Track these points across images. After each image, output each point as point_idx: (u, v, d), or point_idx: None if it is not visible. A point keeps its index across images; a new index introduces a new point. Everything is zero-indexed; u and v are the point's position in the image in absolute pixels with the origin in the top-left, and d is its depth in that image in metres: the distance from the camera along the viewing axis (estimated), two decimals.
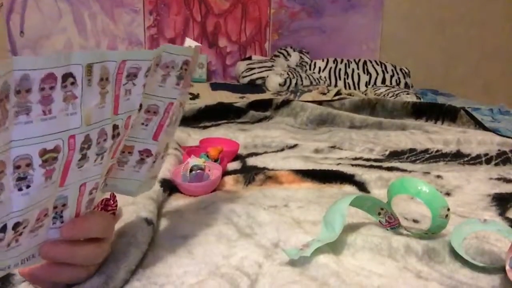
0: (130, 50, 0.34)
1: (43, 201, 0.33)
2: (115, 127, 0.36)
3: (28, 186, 0.31)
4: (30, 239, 0.34)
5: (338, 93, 1.70)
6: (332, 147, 0.96)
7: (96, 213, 0.40)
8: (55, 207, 0.35)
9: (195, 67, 0.45)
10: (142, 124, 0.43)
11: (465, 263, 0.49)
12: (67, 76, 0.30)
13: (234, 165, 0.81)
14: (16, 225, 0.31)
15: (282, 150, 0.93)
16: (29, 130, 0.29)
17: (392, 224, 0.55)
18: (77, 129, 0.32)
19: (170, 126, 0.45)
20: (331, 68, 2.11)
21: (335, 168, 0.79)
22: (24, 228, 0.32)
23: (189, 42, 0.47)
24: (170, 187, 0.65)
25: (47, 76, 0.29)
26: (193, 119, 1.14)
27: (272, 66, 2.05)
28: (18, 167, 0.30)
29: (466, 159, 0.92)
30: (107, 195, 0.56)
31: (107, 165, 0.39)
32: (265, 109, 1.25)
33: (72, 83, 0.31)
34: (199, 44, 0.45)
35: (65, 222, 0.37)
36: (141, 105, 0.38)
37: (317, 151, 0.93)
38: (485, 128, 1.16)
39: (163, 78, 0.41)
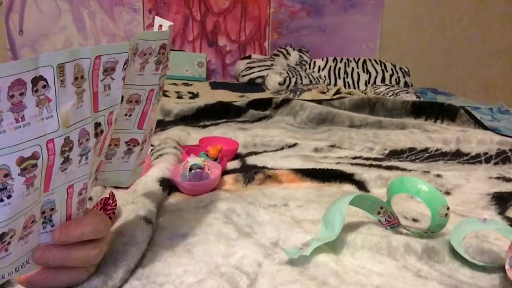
0: (104, 44, 0.33)
1: (28, 208, 0.32)
2: (97, 125, 0.35)
3: (9, 196, 0.30)
4: (21, 247, 0.34)
5: (337, 92, 1.70)
6: (331, 146, 0.96)
7: (90, 214, 0.39)
8: (43, 212, 0.34)
9: (170, 45, 0.44)
10: (125, 115, 0.42)
11: (464, 262, 0.49)
12: (37, 79, 0.29)
13: (234, 164, 0.81)
14: (2, 236, 0.31)
15: (282, 149, 0.93)
16: (2, 140, 0.28)
17: (391, 223, 0.55)
18: (55, 133, 0.31)
19: (153, 111, 0.44)
20: (330, 67, 2.10)
21: (334, 167, 0.79)
22: (11, 237, 0.32)
23: (159, 21, 0.45)
24: (169, 186, 0.65)
25: (15, 82, 0.28)
26: (192, 118, 1.14)
27: (272, 65, 2.05)
28: None
29: (465, 158, 0.92)
30: (106, 194, 0.56)
31: (95, 163, 0.38)
32: (264, 108, 1.25)
33: (44, 86, 0.30)
34: (172, 23, 0.43)
35: (55, 226, 0.36)
36: (122, 97, 0.37)
37: (316, 150, 0.93)
38: (485, 127, 1.16)
39: (141, 66, 0.40)
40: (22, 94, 0.28)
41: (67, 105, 0.31)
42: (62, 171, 0.33)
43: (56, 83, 0.30)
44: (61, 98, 0.31)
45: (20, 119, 0.29)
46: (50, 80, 0.30)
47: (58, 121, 0.31)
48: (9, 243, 0.32)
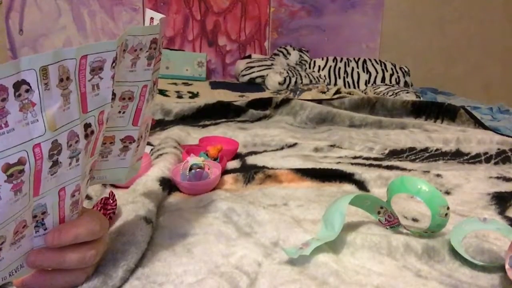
0: (90, 43, 0.33)
1: (18, 214, 0.31)
2: (87, 125, 0.34)
3: None
4: (13, 251, 0.34)
5: (337, 91, 1.70)
6: (331, 146, 0.96)
7: (85, 216, 0.39)
8: (34, 216, 0.34)
9: (162, 38, 0.43)
10: (119, 112, 0.42)
11: (464, 262, 0.49)
12: (19, 84, 0.28)
13: (234, 164, 0.81)
14: None
15: (282, 149, 0.93)
16: None
17: (391, 223, 0.55)
18: (42, 137, 0.30)
19: (147, 107, 0.44)
20: (330, 66, 2.10)
21: (334, 167, 0.79)
22: (2, 244, 0.31)
23: (151, 14, 0.44)
24: (169, 186, 0.65)
25: None
26: (192, 118, 1.14)
27: (272, 64, 2.05)
28: None
29: (465, 158, 0.92)
30: (106, 193, 0.56)
31: (87, 164, 0.37)
32: (264, 107, 1.25)
33: (27, 90, 0.29)
34: (163, 16, 0.42)
35: (48, 229, 0.36)
36: (114, 95, 0.36)
37: (316, 150, 0.93)
38: (485, 127, 1.16)
39: (132, 62, 0.39)
40: (4, 99, 0.28)
41: (53, 108, 0.31)
42: (51, 175, 0.33)
43: (40, 87, 0.30)
44: (46, 101, 0.30)
45: (3, 125, 0.28)
46: (33, 84, 0.29)
47: (44, 125, 0.30)
48: (0, 249, 0.32)
